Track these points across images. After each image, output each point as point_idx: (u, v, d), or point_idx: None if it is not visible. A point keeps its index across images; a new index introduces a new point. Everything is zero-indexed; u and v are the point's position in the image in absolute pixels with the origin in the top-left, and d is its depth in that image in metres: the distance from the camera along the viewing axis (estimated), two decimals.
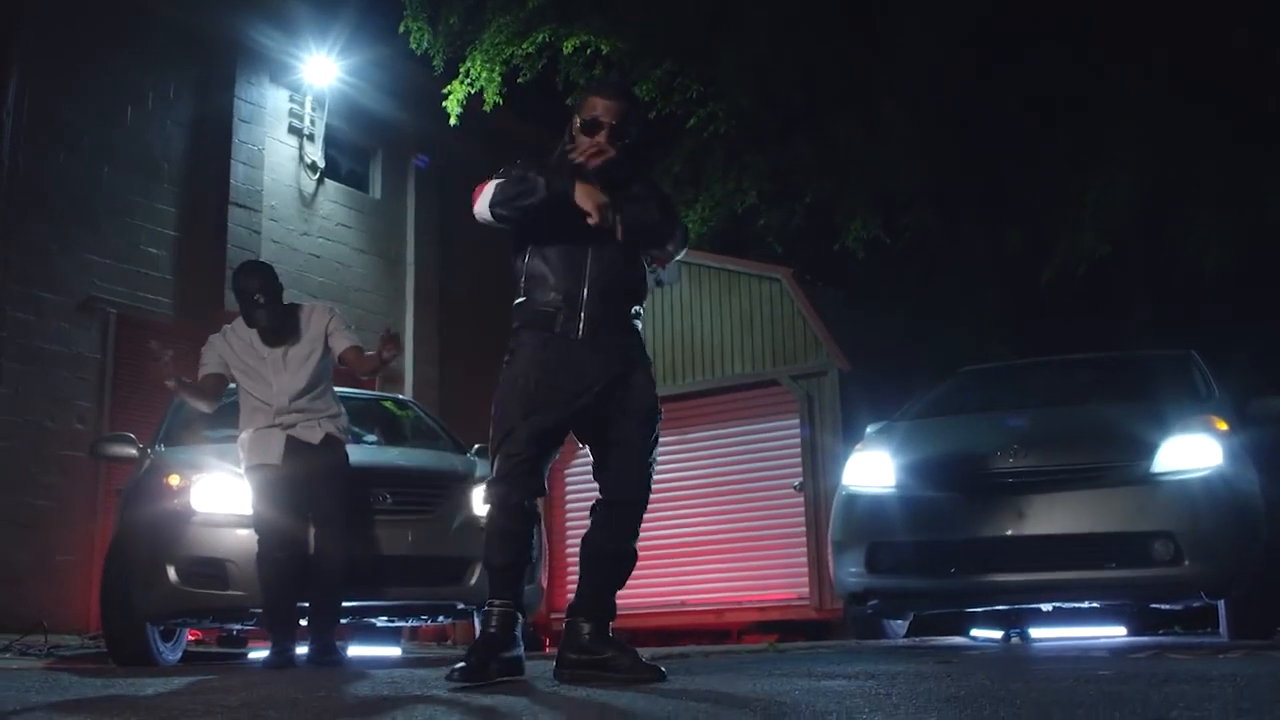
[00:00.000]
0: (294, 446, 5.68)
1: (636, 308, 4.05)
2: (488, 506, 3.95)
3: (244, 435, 5.81)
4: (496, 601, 3.87)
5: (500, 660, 3.79)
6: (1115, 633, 7.03)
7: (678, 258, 4.20)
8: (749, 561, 11.18)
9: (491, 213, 3.97)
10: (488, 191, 3.98)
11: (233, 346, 5.90)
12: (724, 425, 11.57)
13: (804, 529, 10.96)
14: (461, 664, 3.73)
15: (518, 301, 4.03)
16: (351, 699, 3.50)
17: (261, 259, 12.61)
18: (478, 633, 3.94)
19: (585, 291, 3.91)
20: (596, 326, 3.91)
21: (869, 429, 7.01)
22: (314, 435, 5.73)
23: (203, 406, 5.93)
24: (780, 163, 12.14)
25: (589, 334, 3.91)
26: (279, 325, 5.83)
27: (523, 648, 3.93)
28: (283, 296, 5.93)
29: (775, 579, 11.14)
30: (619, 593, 4.06)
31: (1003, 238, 12.54)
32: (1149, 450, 5.89)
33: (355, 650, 7.76)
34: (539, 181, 3.88)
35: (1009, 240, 12.14)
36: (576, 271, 3.92)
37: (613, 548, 3.98)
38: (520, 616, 3.92)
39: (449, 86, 11.78)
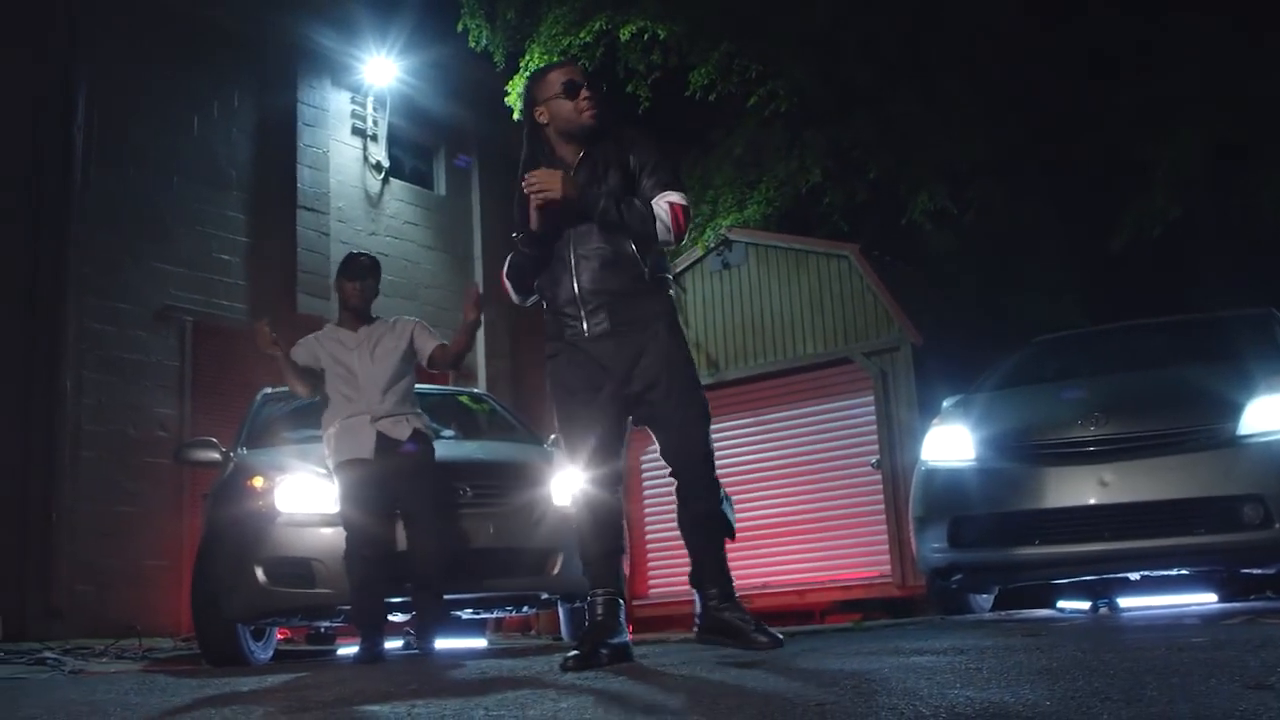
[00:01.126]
0: (383, 443, 5.77)
1: (640, 282, 4.09)
2: (574, 506, 4.08)
3: (330, 430, 5.90)
4: (599, 591, 4.00)
5: (610, 646, 3.88)
6: (1206, 599, 6.90)
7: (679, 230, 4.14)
8: (829, 541, 11.14)
9: (523, 300, 4.31)
10: (508, 287, 4.31)
11: (323, 344, 6.07)
12: (799, 405, 11.52)
13: (883, 506, 10.89)
14: (574, 652, 3.83)
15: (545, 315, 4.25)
16: (443, 689, 3.53)
17: (331, 260, 12.80)
18: (586, 621, 4.02)
19: (578, 292, 4.05)
20: (599, 320, 4.04)
21: (945, 403, 6.95)
22: (402, 432, 5.82)
23: (299, 387, 6.06)
24: (842, 139, 12.04)
25: (595, 330, 4.05)
26: (367, 309, 6.12)
27: (628, 634, 4.05)
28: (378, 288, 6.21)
29: (856, 558, 11.09)
30: None
31: (1071, 205, 12.35)
32: (1233, 412, 5.79)
33: (441, 643, 7.83)
34: (511, 259, 4.23)
35: (1078, 207, 11.98)
36: (566, 276, 4.08)
37: (694, 511, 4.07)
38: (623, 602, 4.03)
39: (510, 83, 11.81)
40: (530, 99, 4.25)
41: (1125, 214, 11.00)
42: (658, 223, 4.03)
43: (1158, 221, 10.64)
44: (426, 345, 6.11)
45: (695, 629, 4.05)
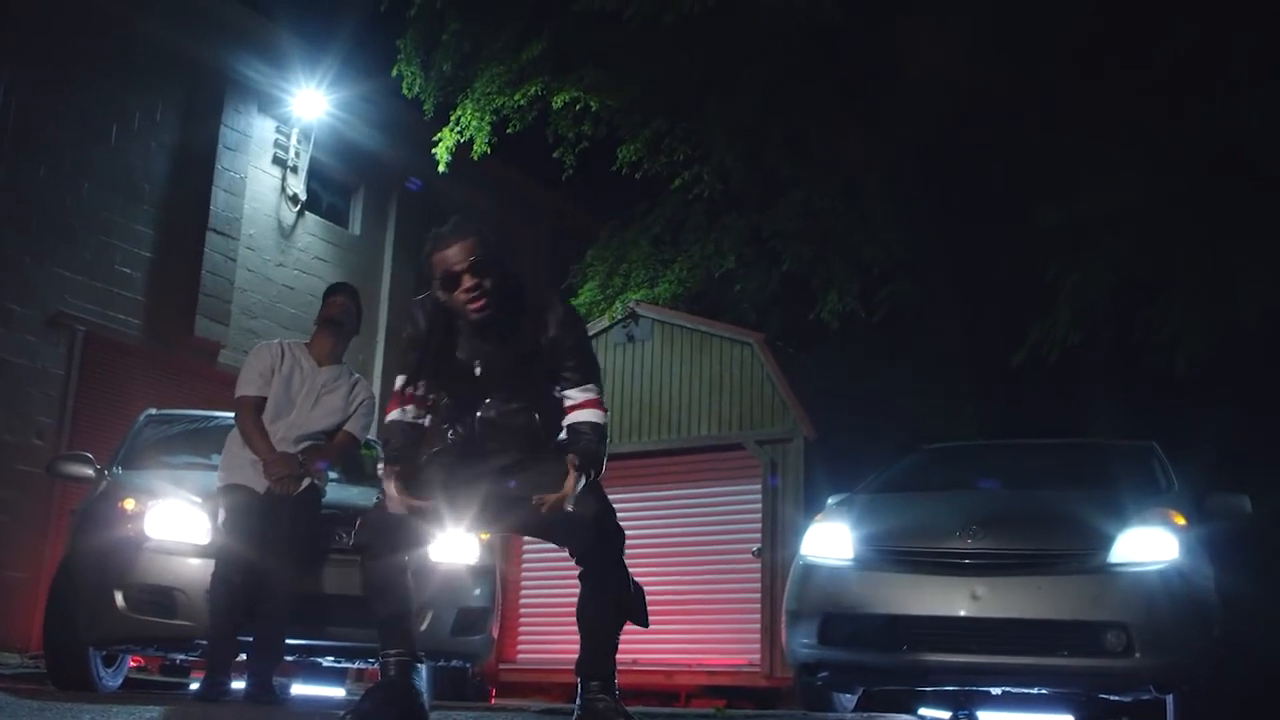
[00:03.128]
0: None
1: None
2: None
3: (234, 450, 5.73)
4: (390, 652, 3.92)
5: (399, 706, 3.82)
6: None
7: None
8: (703, 624, 11.13)
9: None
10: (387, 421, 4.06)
11: (282, 358, 5.86)
12: (686, 486, 11.56)
13: (759, 595, 10.92)
14: (356, 706, 3.78)
15: None
16: None
17: (236, 286, 12.64)
18: (380, 680, 3.96)
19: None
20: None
21: (830, 500, 7.00)
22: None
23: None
24: (762, 227, 12.20)
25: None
26: (343, 332, 5.99)
27: (425, 694, 3.96)
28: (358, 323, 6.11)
29: (727, 644, 11.08)
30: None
31: (976, 317, 12.61)
32: (1106, 540, 5.91)
33: (299, 689, 7.67)
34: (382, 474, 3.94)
35: (982, 320, 12.21)
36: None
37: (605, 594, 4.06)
38: (420, 666, 3.96)
39: (439, 134, 11.83)
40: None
41: (1028, 332, 11.24)
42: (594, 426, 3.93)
43: (1058, 345, 10.88)
44: (354, 425, 5.95)
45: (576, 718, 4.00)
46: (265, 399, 5.74)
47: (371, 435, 6.45)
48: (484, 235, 3.90)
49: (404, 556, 3.96)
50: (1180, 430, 9.09)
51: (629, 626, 4.06)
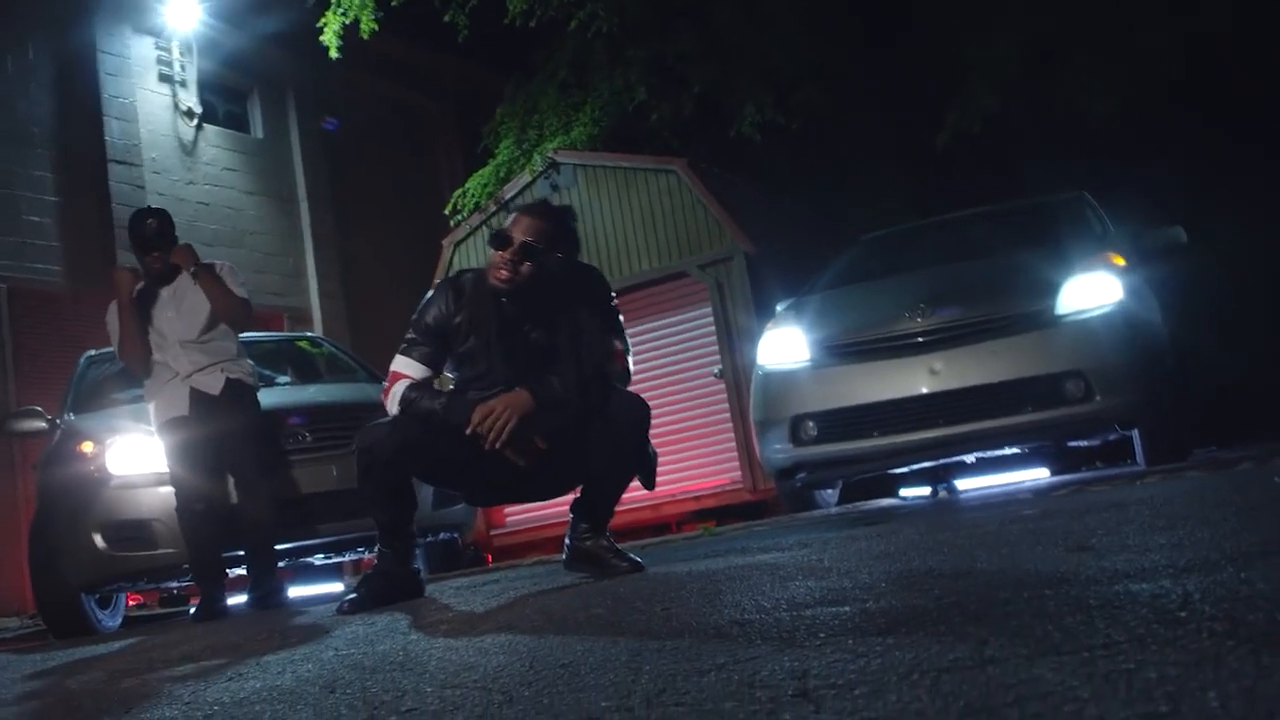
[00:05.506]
0: (198, 399, 5.55)
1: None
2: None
3: (151, 396, 5.68)
4: (388, 544, 4.03)
5: (397, 589, 3.97)
6: (1039, 475, 7.19)
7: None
8: (680, 453, 11.25)
9: (398, 410, 3.93)
10: (396, 392, 3.92)
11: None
12: (638, 323, 11.54)
13: (729, 415, 11.05)
14: (352, 595, 3.94)
15: None
16: (291, 636, 3.49)
17: None
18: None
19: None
20: None
21: (779, 307, 7.05)
22: (215, 385, 5.57)
23: (139, 351, 5.62)
24: (665, 54, 12.00)
25: None
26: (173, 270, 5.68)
27: (420, 571, 4.15)
28: (175, 240, 5.73)
29: (707, 467, 11.24)
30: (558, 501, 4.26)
31: (897, 106, 12.55)
32: (1051, 293, 5.99)
33: (298, 590, 7.74)
34: (436, 413, 3.82)
35: (903, 108, 12.17)
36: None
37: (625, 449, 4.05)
38: (415, 549, 4.12)
39: (323, 19, 11.45)
40: None
41: (949, 112, 11.21)
42: (613, 379, 3.94)
43: (978, 118, 10.87)
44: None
45: (564, 561, 4.10)
46: None
47: (316, 333, 6.34)
48: (560, 231, 3.93)
49: (411, 467, 3.93)
50: (1110, 181, 9.15)
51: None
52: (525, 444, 3.76)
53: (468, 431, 3.73)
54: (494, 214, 11.87)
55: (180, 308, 5.64)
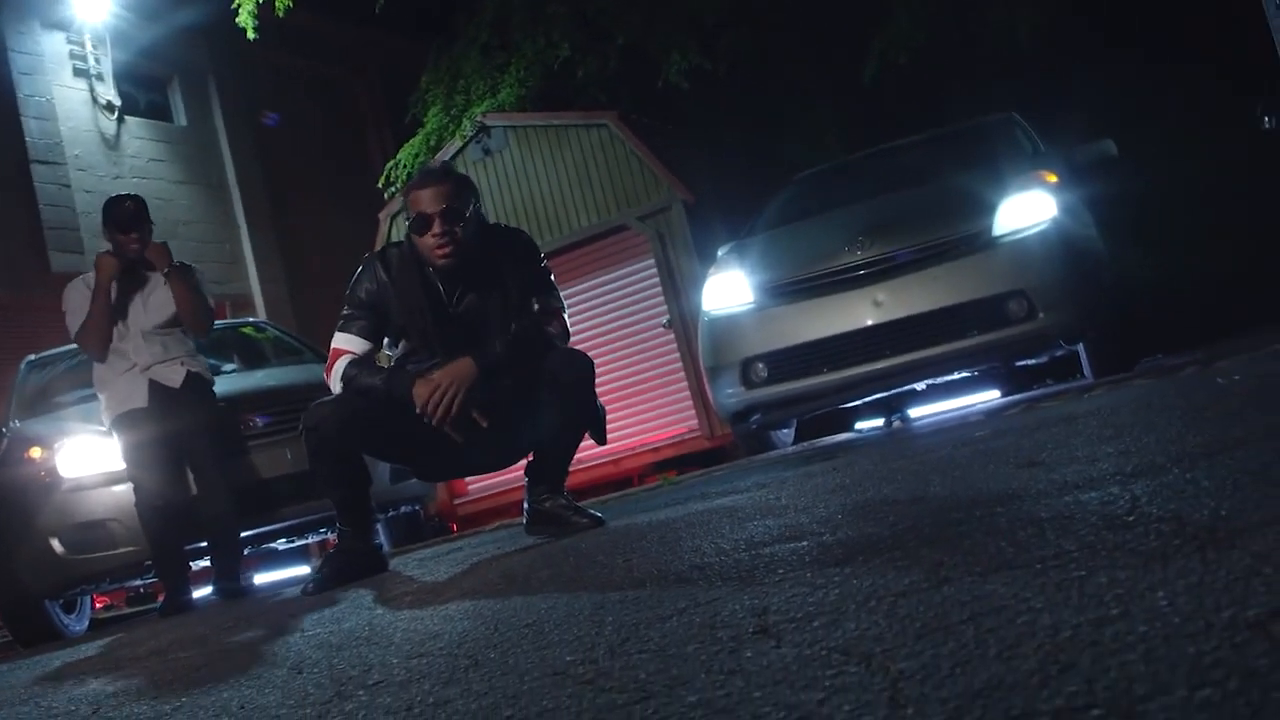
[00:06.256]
0: (156, 391, 5.50)
1: None
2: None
3: (103, 387, 5.60)
4: (348, 522, 4.04)
5: (359, 565, 3.98)
6: (991, 397, 7.26)
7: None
8: (634, 406, 11.28)
9: (341, 387, 3.89)
10: (338, 370, 3.88)
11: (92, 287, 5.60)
12: (582, 280, 11.54)
13: (680, 364, 11.07)
14: (316, 575, 3.98)
15: None
16: (256, 622, 3.48)
17: (79, 212, 12.18)
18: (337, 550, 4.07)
19: None
20: None
21: (720, 251, 7.05)
22: (175, 378, 5.53)
23: (101, 336, 5.52)
24: (586, 9, 11.92)
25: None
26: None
27: (383, 546, 4.22)
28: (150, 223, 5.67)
29: (663, 418, 11.28)
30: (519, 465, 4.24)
31: (822, 43, 12.53)
32: (987, 215, 6.02)
33: (264, 577, 7.73)
34: (378, 389, 3.78)
35: (828, 45, 12.16)
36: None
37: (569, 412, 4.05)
38: (375, 524, 4.12)
39: (236, 0, 11.27)
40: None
41: (873, 45, 11.22)
42: (553, 337, 3.93)
43: (902, 49, 10.88)
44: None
45: (524, 524, 4.09)
46: None
47: (259, 318, 6.29)
48: (460, 182, 3.91)
49: (358, 442, 3.90)
50: (1039, 102, 9.21)
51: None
52: (465, 420, 3.73)
53: (417, 410, 3.70)
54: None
55: (148, 299, 5.58)
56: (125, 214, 5.57)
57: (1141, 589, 1.42)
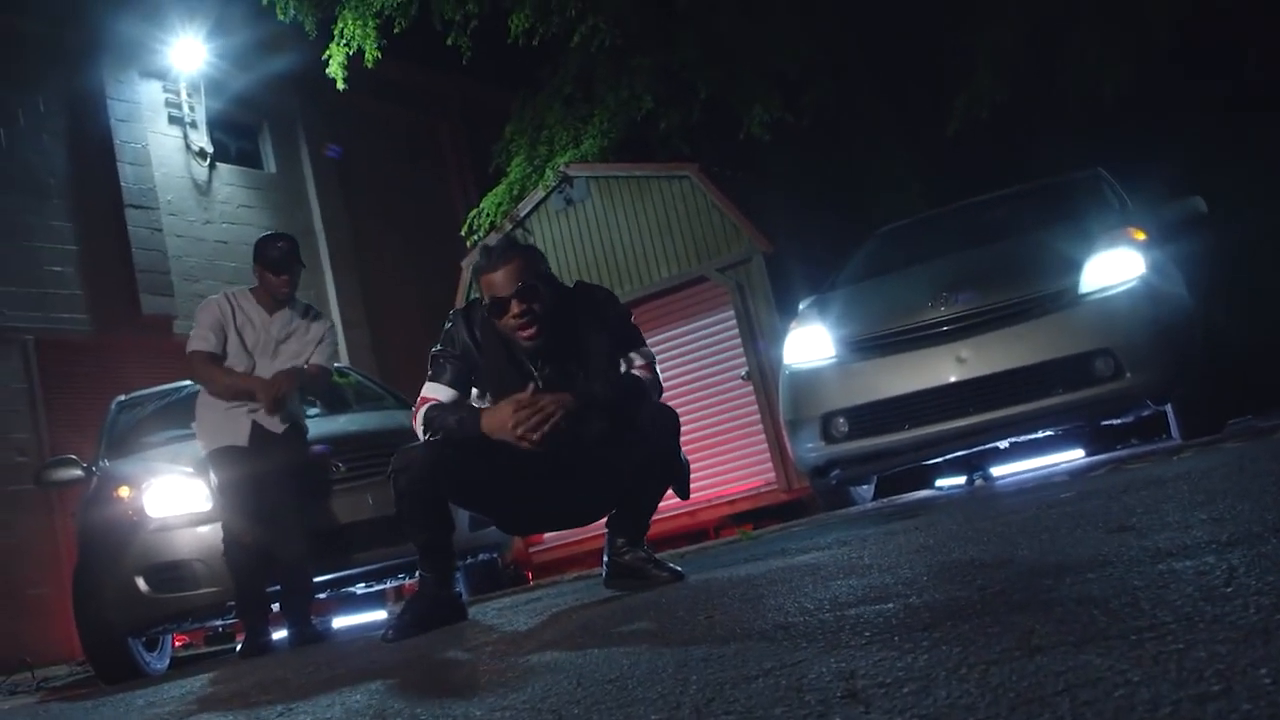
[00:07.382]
0: (258, 432, 5.59)
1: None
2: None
3: (206, 416, 5.68)
4: (430, 568, 4.01)
5: (440, 612, 3.96)
6: (1075, 456, 7.14)
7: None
8: (712, 458, 11.25)
9: (423, 430, 3.91)
10: (422, 414, 3.90)
11: (233, 313, 5.72)
12: (661, 330, 11.57)
13: (759, 416, 11.04)
14: (395, 621, 3.93)
15: None
16: (337, 667, 3.50)
17: (170, 255, 12.45)
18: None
19: None
20: None
21: (801, 305, 7.03)
22: (278, 424, 5.63)
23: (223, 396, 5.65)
24: (669, 62, 12.02)
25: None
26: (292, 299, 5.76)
27: (463, 594, 4.18)
28: (301, 264, 5.84)
29: (741, 470, 11.23)
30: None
31: (904, 97, 12.51)
32: (1074, 272, 5.95)
33: (342, 621, 7.77)
34: (453, 428, 3.79)
35: (911, 99, 12.14)
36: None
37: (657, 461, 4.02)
38: (455, 571, 4.11)
39: (327, 51, 11.51)
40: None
41: (956, 100, 11.19)
42: (648, 388, 3.93)
43: (985, 104, 10.84)
44: (318, 357, 5.81)
45: (603, 577, 4.07)
46: (217, 355, 5.65)
47: (343, 364, 6.38)
48: (527, 255, 3.88)
49: (445, 488, 3.90)
50: (1124, 158, 9.10)
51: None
52: (555, 439, 3.68)
53: (510, 425, 3.65)
54: (511, 231, 11.89)
55: (279, 349, 5.70)
56: (279, 255, 5.68)
57: (1243, 665, 1.38)
